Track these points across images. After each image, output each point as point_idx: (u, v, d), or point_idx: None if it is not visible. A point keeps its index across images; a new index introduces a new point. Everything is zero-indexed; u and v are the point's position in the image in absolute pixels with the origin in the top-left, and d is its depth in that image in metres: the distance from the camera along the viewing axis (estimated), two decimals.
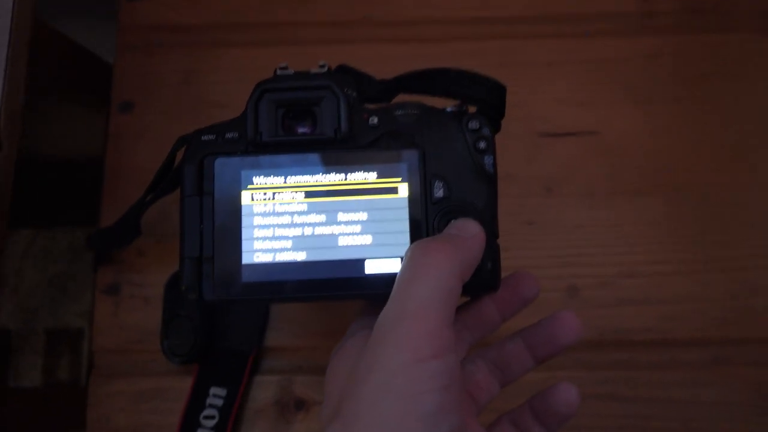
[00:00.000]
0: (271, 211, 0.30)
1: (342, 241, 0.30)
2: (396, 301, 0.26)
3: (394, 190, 0.30)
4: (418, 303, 0.26)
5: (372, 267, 0.30)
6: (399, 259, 0.30)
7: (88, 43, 0.62)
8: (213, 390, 0.42)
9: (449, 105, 0.32)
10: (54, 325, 0.97)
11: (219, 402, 0.42)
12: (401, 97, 0.34)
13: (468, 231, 0.29)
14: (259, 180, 0.30)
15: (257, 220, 0.30)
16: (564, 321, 0.31)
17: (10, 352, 0.82)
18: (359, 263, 0.30)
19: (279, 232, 0.30)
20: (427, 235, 0.30)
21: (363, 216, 0.30)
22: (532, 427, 0.32)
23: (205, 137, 0.31)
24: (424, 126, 0.31)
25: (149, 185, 0.38)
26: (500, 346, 0.33)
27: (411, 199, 0.30)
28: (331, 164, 0.30)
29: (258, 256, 0.30)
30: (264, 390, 0.43)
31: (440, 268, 0.26)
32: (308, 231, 0.30)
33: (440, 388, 0.25)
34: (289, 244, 0.30)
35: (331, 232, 0.30)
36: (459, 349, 0.32)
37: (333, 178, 0.30)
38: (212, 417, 0.42)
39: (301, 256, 0.30)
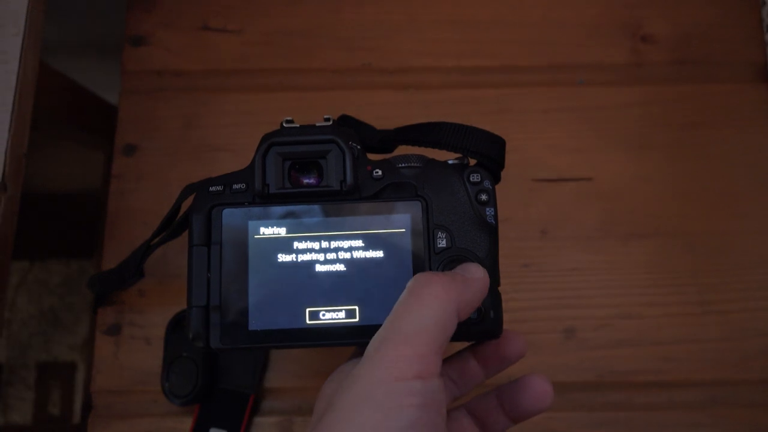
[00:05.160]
0: (277, 260, 0.31)
1: (346, 290, 0.31)
2: (390, 323, 0.27)
3: (398, 241, 0.31)
4: (409, 327, 0.26)
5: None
6: None
7: (88, 80, 0.63)
8: (213, 431, 0.43)
9: (450, 157, 0.33)
10: (46, 358, 0.97)
11: None
12: (402, 149, 0.35)
13: (472, 273, 0.29)
14: (266, 230, 0.31)
15: (264, 269, 0.31)
16: (530, 387, 0.31)
17: (0, 385, 0.82)
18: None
19: (285, 281, 0.31)
20: None
21: (367, 266, 0.31)
22: (497, 419, 0.32)
23: (213, 188, 0.32)
24: (427, 178, 0.32)
25: (155, 230, 0.38)
26: (478, 401, 0.33)
27: (414, 249, 0.31)
28: (336, 215, 0.31)
29: (265, 304, 0.31)
30: (265, 431, 0.44)
31: (438, 299, 0.27)
32: (314, 280, 0.31)
33: (418, 405, 0.25)
34: (295, 292, 0.31)
35: (336, 281, 0.31)
36: (445, 394, 0.31)
37: (338, 229, 0.31)
38: None
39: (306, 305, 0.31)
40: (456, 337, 0.31)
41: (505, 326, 0.45)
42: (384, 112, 0.49)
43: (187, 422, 0.43)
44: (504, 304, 0.46)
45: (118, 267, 0.42)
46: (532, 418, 0.44)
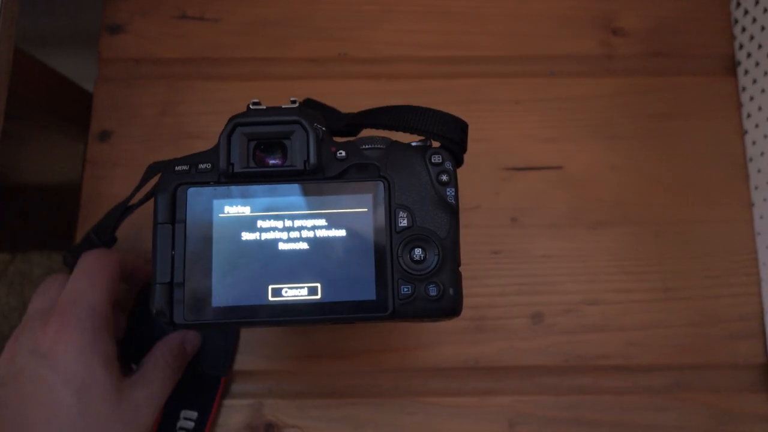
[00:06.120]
0: (241, 239, 0.31)
1: (309, 268, 0.31)
2: None
3: (360, 220, 0.32)
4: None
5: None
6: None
7: (67, 70, 0.64)
8: (184, 413, 0.43)
9: (414, 140, 0.34)
10: None
11: (190, 425, 0.42)
12: (367, 132, 0.36)
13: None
14: (230, 209, 0.32)
15: (228, 247, 0.31)
16: None
17: None
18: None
19: (249, 258, 0.31)
20: (392, 263, 0.31)
21: (330, 244, 0.31)
22: None
23: (178, 168, 0.32)
24: (390, 159, 0.32)
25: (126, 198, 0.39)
26: None
27: (376, 228, 0.32)
28: (300, 194, 0.32)
29: (228, 281, 0.31)
30: (235, 413, 0.44)
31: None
32: (277, 258, 0.31)
33: None
34: (258, 270, 0.31)
35: (299, 259, 0.31)
36: None
37: (301, 208, 0.32)
38: None
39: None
40: (417, 315, 0.32)
41: (474, 311, 0.46)
42: (359, 101, 0.49)
43: None
44: (474, 290, 0.47)
45: (93, 231, 0.41)
46: (500, 402, 0.45)
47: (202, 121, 0.50)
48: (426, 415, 0.44)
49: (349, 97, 0.50)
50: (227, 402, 0.44)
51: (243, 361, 0.45)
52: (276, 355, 0.45)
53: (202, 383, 0.43)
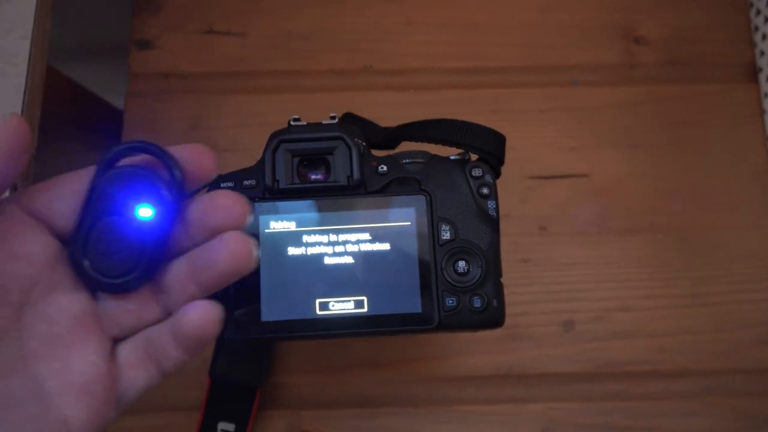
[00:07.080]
0: (288, 254, 0.32)
1: (355, 281, 0.32)
2: None
3: (403, 233, 0.32)
4: None
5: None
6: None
7: (97, 86, 0.64)
8: (221, 425, 0.43)
9: (453, 153, 0.34)
10: None
11: None
12: (405, 145, 0.36)
13: None
14: (276, 224, 0.32)
15: (275, 262, 0.32)
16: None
17: None
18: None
19: (296, 273, 0.32)
20: (436, 276, 0.32)
21: (374, 258, 0.32)
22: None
23: (224, 184, 0.33)
24: (431, 173, 0.33)
25: None
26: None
27: (419, 241, 0.32)
28: (344, 209, 0.32)
29: (276, 296, 0.32)
30: (272, 424, 0.45)
31: None
32: (323, 272, 0.32)
33: None
34: (305, 284, 0.32)
35: (344, 273, 0.32)
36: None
37: (345, 222, 0.32)
38: None
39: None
40: (462, 327, 0.32)
41: (506, 319, 0.47)
42: (384, 112, 0.50)
43: (196, 417, 0.44)
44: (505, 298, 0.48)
45: None
46: (533, 409, 0.45)
47: (232, 134, 0.51)
48: (461, 423, 0.45)
49: (375, 108, 0.51)
50: (265, 413, 0.45)
51: (279, 372, 0.45)
52: (312, 366, 0.46)
53: (238, 395, 0.44)
